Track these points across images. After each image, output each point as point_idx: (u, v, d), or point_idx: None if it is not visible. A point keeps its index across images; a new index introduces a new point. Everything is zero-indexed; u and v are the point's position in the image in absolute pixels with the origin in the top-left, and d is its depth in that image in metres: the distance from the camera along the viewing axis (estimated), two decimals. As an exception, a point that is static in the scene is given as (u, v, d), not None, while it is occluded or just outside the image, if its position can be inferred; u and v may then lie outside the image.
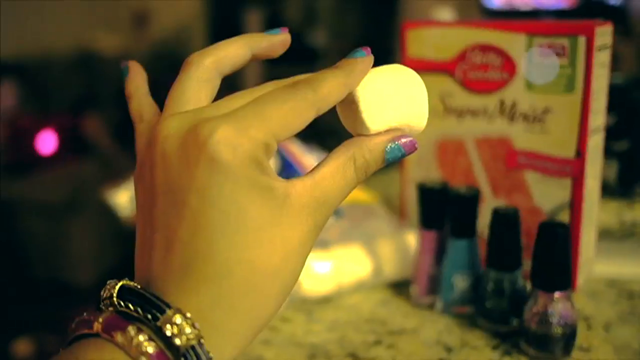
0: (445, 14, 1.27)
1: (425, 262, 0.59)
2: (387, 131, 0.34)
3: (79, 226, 2.12)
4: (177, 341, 0.27)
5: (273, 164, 0.72)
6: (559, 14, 2.22)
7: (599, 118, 0.58)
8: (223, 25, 2.99)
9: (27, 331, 1.82)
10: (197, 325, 0.28)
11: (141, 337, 0.27)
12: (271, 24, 2.78)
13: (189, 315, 0.28)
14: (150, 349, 0.27)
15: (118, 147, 2.38)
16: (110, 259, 2.12)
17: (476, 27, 0.61)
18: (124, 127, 2.45)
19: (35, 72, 2.47)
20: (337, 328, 0.56)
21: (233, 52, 0.35)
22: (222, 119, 0.29)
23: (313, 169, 0.33)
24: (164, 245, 0.30)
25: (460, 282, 0.56)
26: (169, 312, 0.28)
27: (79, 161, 2.34)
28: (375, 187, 0.77)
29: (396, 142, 0.34)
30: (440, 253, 0.58)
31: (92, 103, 2.59)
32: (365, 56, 0.34)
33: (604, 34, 0.57)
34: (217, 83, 0.35)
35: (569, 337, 0.49)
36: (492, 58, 0.60)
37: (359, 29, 2.90)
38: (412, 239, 0.63)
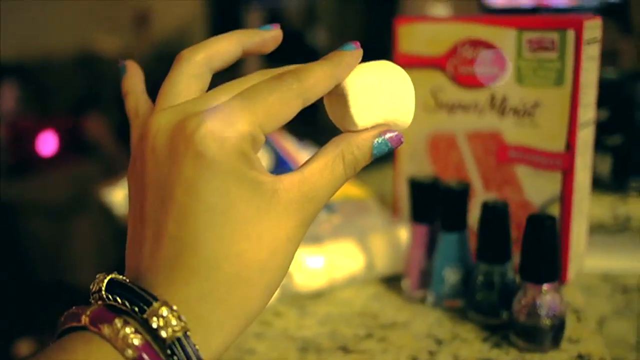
0: (442, 12, 1.27)
1: (417, 256, 0.59)
2: (373, 127, 0.35)
3: (80, 227, 2.12)
4: (163, 333, 0.28)
5: (266, 160, 0.72)
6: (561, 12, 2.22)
7: (588, 111, 0.58)
8: (224, 26, 2.99)
9: (29, 332, 1.82)
10: (183, 317, 0.28)
11: (127, 330, 0.27)
12: (272, 23, 2.78)
13: (175, 307, 0.28)
14: (137, 341, 0.27)
15: (120, 147, 2.39)
16: (112, 260, 2.12)
17: (467, 22, 0.61)
18: (125, 128, 2.45)
19: (36, 73, 2.48)
20: (329, 322, 0.56)
21: (224, 47, 0.36)
22: (208, 113, 0.30)
23: (301, 165, 0.33)
24: (153, 239, 0.31)
25: (451, 276, 0.57)
26: (155, 304, 0.28)
27: (80, 162, 2.34)
28: (368, 183, 0.77)
29: (382, 137, 0.35)
30: (431, 247, 0.58)
31: (93, 104, 2.60)
32: (354, 49, 0.35)
33: (593, 27, 0.57)
34: (208, 78, 0.36)
35: (558, 328, 0.50)
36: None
37: (359, 28, 2.90)
38: (404, 233, 0.64)
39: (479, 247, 0.54)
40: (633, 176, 0.77)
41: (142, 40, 2.84)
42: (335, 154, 0.33)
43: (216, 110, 0.30)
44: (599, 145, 0.72)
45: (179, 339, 0.28)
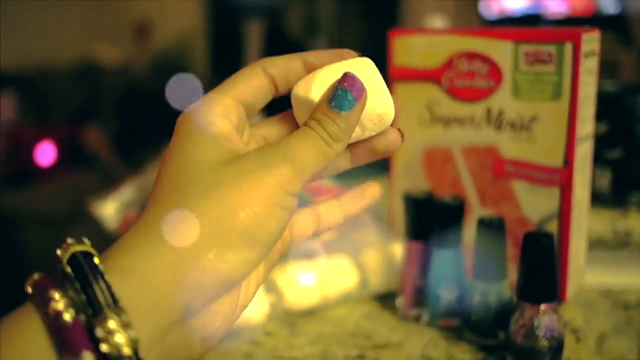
0: (439, 23, 1.26)
1: (411, 274, 0.57)
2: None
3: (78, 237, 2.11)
4: (104, 347, 0.27)
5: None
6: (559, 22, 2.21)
7: (587, 126, 0.57)
8: (224, 36, 2.99)
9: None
10: (132, 333, 0.27)
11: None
12: (272, 34, 2.78)
13: (125, 318, 0.27)
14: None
15: (118, 158, 2.38)
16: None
17: (462, 35, 0.60)
18: (123, 138, 2.45)
19: (35, 83, 2.48)
20: (321, 342, 0.55)
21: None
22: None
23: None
24: (143, 215, 0.33)
25: (446, 294, 0.55)
26: (106, 312, 0.27)
27: (78, 172, 2.33)
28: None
29: (340, 87, 0.33)
30: (426, 264, 0.57)
31: (92, 114, 2.59)
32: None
33: (591, 40, 0.56)
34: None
35: (556, 350, 0.48)
36: (478, 66, 0.59)
37: (359, 39, 2.90)
38: (399, 249, 0.62)
39: (475, 265, 0.53)
40: (633, 190, 0.76)
41: (142, 51, 2.84)
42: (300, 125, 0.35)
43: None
44: (599, 159, 0.71)
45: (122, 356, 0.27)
